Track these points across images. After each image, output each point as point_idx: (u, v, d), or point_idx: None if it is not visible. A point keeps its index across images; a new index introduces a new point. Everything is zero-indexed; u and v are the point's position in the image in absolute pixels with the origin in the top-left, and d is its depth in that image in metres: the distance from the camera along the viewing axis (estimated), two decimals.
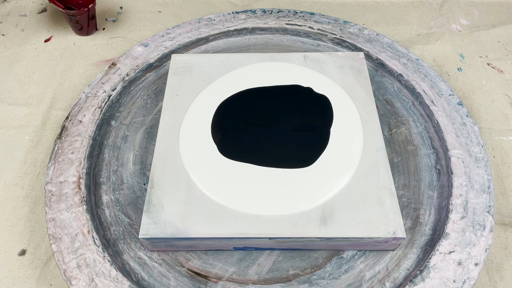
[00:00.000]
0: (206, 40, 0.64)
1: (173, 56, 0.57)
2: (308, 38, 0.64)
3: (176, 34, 0.63)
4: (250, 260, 0.45)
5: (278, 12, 0.66)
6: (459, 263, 0.42)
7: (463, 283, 0.41)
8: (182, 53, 0.63)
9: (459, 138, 0.51)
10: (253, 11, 0.66)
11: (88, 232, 0.44)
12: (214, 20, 0.65)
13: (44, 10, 0.73)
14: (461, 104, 0.54)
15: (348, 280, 0.43)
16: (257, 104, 0.52)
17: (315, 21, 0.65)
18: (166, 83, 0.55)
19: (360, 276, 0.43)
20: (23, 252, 0.47)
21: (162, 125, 0.50)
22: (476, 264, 0.42)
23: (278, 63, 0.56)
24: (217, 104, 0.52)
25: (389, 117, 0.56)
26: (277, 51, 0.63)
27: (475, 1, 0.74)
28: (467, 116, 0.53)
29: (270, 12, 0.66)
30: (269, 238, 0.42)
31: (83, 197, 0.47)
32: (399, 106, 0.57)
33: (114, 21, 0.71)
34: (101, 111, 0.54)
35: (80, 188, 0.47)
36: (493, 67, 0.64)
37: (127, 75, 0.58)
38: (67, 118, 0.54)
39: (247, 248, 0.45)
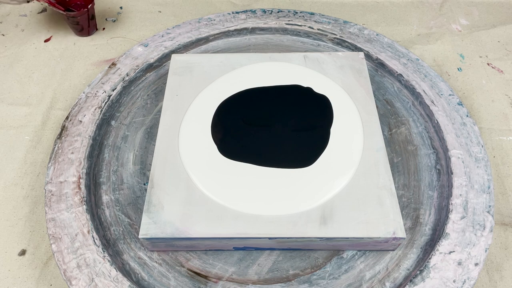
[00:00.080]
0: (206, 40, 0.64)
1: (173, 56, 0.57)
2: (308, 38, 0.64)
3: (176, 34, 0.63)
4: (250, 260, 0.45)
5: (278, 12, 0.66)
6: (459, 263, 0.42)
7: (463, 283, 0.41)
8: (182, 53, 0.63)
9: (459, 138, 0.51)
10: (253, 11, 0.66)
11: (88, 232, 0.44)
12: (214, 20, 0.65)
13: (44, 10, 0.73)
14: (461, 104, 0.54)
15: (348, 280, 0.43)
16: (257, 104, 0.52)
17: (315, 21, 0.65)
18: (166, 83, 0.55)
19: (360, 276, 0.43)
20: (23, 252, 0.47)
21: (162, 125, 0.50)
22: (476, 264, 0.42)
23: (278, 63, 0.56)
24: (217, 104, 0.52)
25: (389, 117, 0.56)
26: (277, 51, 0.63)
27: (475, 1, 0.74)
28: (467, 116, 0.53)
29: (270, 12, 0.66)
30: (269, 238, 0.42)
31: (83, 197, 0.47)
32: (399, 106, 0.57)
33: (114, 21, 0.71)
34: (101, 111, 0.54)
35: (80, 188, 0.47)
36: (493, 67, 0.64)
37: (127, 75, 0.58)
38: (67, 118, 0.54)
39: (247, 248, 0.45)
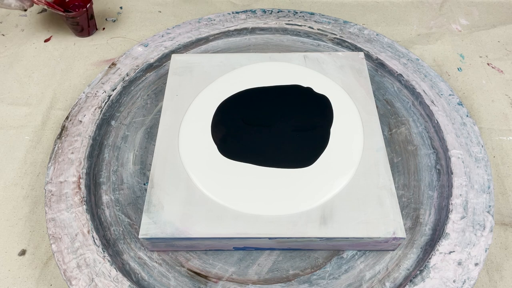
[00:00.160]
0: (206, 40, 0.64)
1: (173, 56, 0.57)
2: (308, 38, 0.64)
3: (176, 34, 0.63)
4: (250, 260, 0.45)
5: (278, 12, 0.66)
6: (459, 263, 0.42)
7: (463, 283, 0.41)
8: (182, 53, 0.63)
9: (459, 138, 0.51)
10: (253, 11, 0.66)
11: (88, 232, 0.44)
12: (214, 20, 0.65)
13: (44, 10, 0.73)
14: (461, 104, 0.54)
15: (348, 280, 0.43)
16: (257, 104, 0.52)
17: (315, 21, 0.65)
18: (166, 83, 0.55)
19: (360, 276, 0.43)
20: (23, 252, 0.47)
21: (162, 125, 0.50)
22: (476, 264, 0.42)
23: (278, 63, 0.56)
24: (217, 104, 0.52)
25: (389, 117, 0.56)
26: (277, 51, 0.63)
27: (475, 1, 0.74)
28: (467, 116, 0.53)
29: (270, 12, 0.66)
30: (269, 238, 0.42)
31: (83, 197, 0.47)
32: (399, 106, 0.57)
33: (114, 21, 0.71)
34: (101, 111, 0.54)
35: (80, 188, 0.47)
36: (493, 67, 0.64)
37: (127, 75, 0.58)
38: (67, 118, 0.54)
39: (247, 248, 0.45)
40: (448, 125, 0.52)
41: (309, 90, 0.53)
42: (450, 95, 0.55)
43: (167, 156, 0.47)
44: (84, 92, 0.56)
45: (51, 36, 0.69)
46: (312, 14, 0.66)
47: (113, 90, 0.56)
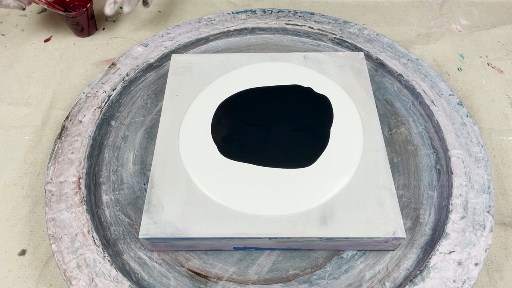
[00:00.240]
0: (206, 40, 0.64)
1: (173, 56, 0.57)
2: (308, 38, 0.64)
3: (176, 34, 0.63)
4: (250, 260, 0.45)
5: (278, 12, 0.66)
6: (459, 263, 0.42)
7: (463, 283, 0.41)
8: (182, 53, 0.63)
9: (459, 138, 0.51)
10: (253, 11, 0.66)
11: (88, 232, 0.44)
12: (214, 20, 0.65)
13: (44, 10, 0.73)
14: (461, 104, 0.54)
15: (348, 280, 0.43)
16: (257, 104, 0.52)
17: (315, 21, 0.65)
18: (166, 83, 0.55)
19: (360, 276, 0.43)
20: (23, 252, 0.47)
21: (162, 125, 0.50)
22: (476, 264, 0.42)
23: (278, 63, 0.56)
24: (217, 104, 0.52)
25: (389, 117, 0.56)
26: (277, 51, 0.63)
27: (475, 1, 0.74)
28: (467, 116, 0.53)
29: (270, 12, 0.66)
30: (269, 238, 0.42)
31: (83, 197, 0.47)
32: (399, 106, 0.57)
33: (114, 21, 0.71)
34: (101, 111, 0.54)
35: (80, 188, 0.47)
36: (493, 67, 0.64)
37: (127, 75, 0.58)
38: (67, 118, 0.54)
39: (247, 248, 0.45)
40: (448, 125, 0.52)
41: (309, 90, 0.53)
42: (450, 95, 0.55)
43: (167, 156, 0.47)
44: (84, 92, 0.56)
45: (51, 36, 0.69)
46: (312, 14, 0.66)
47: (113, 90, 0.56)
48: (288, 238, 0.42)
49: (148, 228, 0.42)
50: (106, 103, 0.55)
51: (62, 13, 0.63)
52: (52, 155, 0.50)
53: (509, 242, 0.47)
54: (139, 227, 0.43)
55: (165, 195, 0.44)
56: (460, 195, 0.46)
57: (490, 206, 0.46)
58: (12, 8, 0.60)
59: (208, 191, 0.44)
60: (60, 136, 0.52)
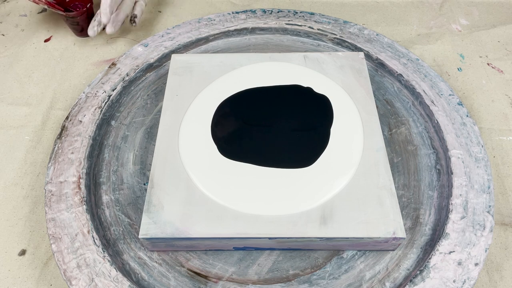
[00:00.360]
0: (206, 40, 0.64)
1: (173, 56, 0.57)
2: (308, 38, 0.64)
3: (176, 34, 0.63)
4: (250, 260, 0.45)
5: (278, 12, 0.66)
6: (459, 263, 0.42)
7: (463, 283, 0.41)
8: (182, 53, 0.63)
9: (459, 138, 0.51)
10: (253, 11, 0.66)
11: (88, 232, 0.44)
12: (214, 20, 0.65)
13: (44, 10, 0.73)
14: (461, 104, 0.54)
15: (348, 280, 0.43)
16: (257, 104, 0.52)
17: (315, 21, 0.65)
18: (166, 83, 0.55)
19: (360, 276, 0.43)
20: (23, 252, 0.47)
21: (162, 125, 0.50)
22: (476, 264, 0.42)
23: (278, 63, 0.56)
24: (217, 104, 0.52)
25: (389, 117, 0.56)
26: (277, 51, 0.63)
27: (475, 1, 0.74)
28: (467, 116, 0.53)
29: (270, 12, 0.66)
30: (269, 238, 0.42)
31: (83, 197, 0.47)
32: (399, 106, 0.57)
33: None
34: (101, 111, 0.54)
35: (80, 188, 0.47)
36: (493, 67, 0.64)
37: (127, 75, 0.58)
38: (67, 118, 0.54)
39: (247, 248, 0.45)
40: (448, 125, 0.52)
41: (309, 90, 0.53)
42: (450, 95, 0.55)
43: (167, 156, 0.47)
44: (84, 92, 0.56)
45: (51, 36, 0.69)
46: (312, 14, 0.66)
47: (113, 90, 0.56)
48: (288, 238, 0.42)
49: (148, 228, 0.42)
50: (106, 103, 0.55)
51: (62, 13, 0.63)
52: (52, 155, 0.50)
53: (509, 242, 0.47)
54: (139, 227, 0.43)
55: (165, 195, 0.44)
56: (460, 195, 0.46)
57: (490, 206, 0.46)
58: None
59: (208, 191, 0.44)
60: (60, 136, 0.52)
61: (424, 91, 0.55)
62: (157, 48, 0.61)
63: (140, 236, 0.42)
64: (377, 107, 0.53)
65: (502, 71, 0.63)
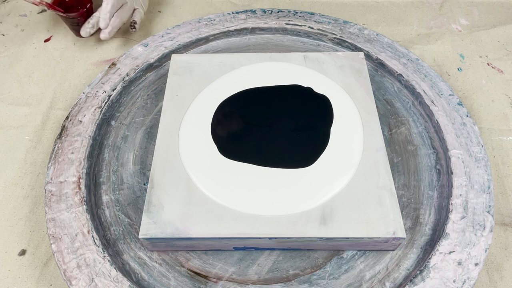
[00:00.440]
0: (206, 40, 0.64)
1: (173, 56, 0.57)
2: (308, 38, 0.64)
3: (176, 34, 0.63)
4: (250, 260, 0.45)
5: (278, 12, 0.66)
6: (459, 263, 0.42)
7: (463, 283, 0.41)
8: (182, 53, 0.63)
9: (459, 138, 0.51)
10: (253, 11, 0.66)
11: (88, 232, 0.44)
12: (214, 20, 0.65)
13: (44, 10, 0.73)
14: (461, 104, 0.54)
15: (348, 280, 0.43)
16: (257, 104, 0.52)
17: (315, 21, 0.65)
18: (166, 83, 0.55)
19: (360, 276, 0.43)
20: (23, 252, 0.47)
21: (162, 125, 0.50)
22: (476, 264, 0.42)
23: (278, 63, 0.56)
24: (217, 104, 0.52)
25: (389, 117, 0.56)
26: (277, 51, 0.63)
27: (475, 1, 0.74)
28: (467, 116, 0.53)
29: (270, 12, 0.66)
30: (269, 238, 0.42)
31: (83, 197, 0.47)
32: (399, 106, 0.57)
33: None
34: (101, 111, 0.54)
35: (80, 188, 0.47)
36: (493, 67, 0.64)
37: (127, 75, 0.58)
38: (67, 118, 0.54)
39: (247, 248, 0.45)
40: (448, 125, 0.52)
41: (309, 90, 0.53)
42: (450, 95, 0.55)
43: (167, 156, 0.47)
44: (84, 92, 0.56)
45: (51, 36, 0.69)
46: (312, 14, 0.66)
47: (113, 90, 0.56)
48: (288, 238, 0.42)
49: (148, 228, 0.42)
50: (106, 103, 0.55)
51: (62, 14, 0.63)
52: (52, 155, 0.50)
53: (509, 242, 0.47)
54: (139, 227, 0.43)
55: (165, 195, 0.44)
56: (460, 195, 0.46)
57: (490, 206, 0.46)
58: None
59: (208, 191, 0.44)
60: (60, 136, 0.52)
61: (424, 91, 0.55)
62: (157, 48, 0.61)
63: (140, 236, 0.42)
64: (377, 107, 0.53)
65: (502, 71, 0.63)
